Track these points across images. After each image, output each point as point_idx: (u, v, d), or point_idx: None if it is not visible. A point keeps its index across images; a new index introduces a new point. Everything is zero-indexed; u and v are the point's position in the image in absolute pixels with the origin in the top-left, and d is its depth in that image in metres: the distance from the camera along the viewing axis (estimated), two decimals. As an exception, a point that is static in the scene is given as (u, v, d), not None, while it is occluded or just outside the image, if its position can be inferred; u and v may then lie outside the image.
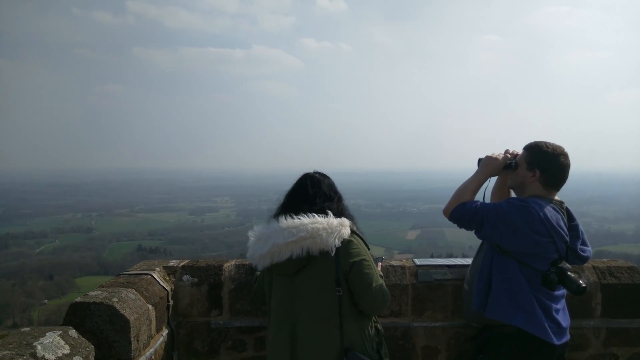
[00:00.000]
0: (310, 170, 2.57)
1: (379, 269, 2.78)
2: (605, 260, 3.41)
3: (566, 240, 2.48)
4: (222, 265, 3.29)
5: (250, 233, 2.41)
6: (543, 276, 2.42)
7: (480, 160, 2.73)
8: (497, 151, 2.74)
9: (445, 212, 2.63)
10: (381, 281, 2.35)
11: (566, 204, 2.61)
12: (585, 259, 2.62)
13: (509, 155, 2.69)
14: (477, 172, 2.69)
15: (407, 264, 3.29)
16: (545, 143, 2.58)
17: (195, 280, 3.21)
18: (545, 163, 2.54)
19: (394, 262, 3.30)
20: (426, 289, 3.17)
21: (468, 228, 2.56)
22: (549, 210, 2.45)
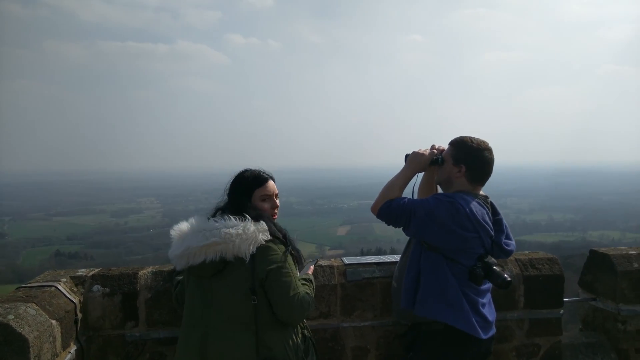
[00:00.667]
0: (241, 169, 2.45)
1: (310, 271, 2.67)
2: (527, 252, 3.51)
3: (491, 234, 2.50)
4: (137, 273, 3.03)
5: (172, 230, 2.28)
6: (470, 271, 2.43)
7: (407, 156, 2.68)
8: (424, 147, 2.71)
9: (373, 209, 2.57)
10: (301, 289, 2.24)
11: (490, 199, 2.63)
12: (509, 253, 2.65)
13: (435, 151, 2.67)
14: (404, 168, 2.65)
15: (335, 264, 3.20)
16: (470, 138, 2.59)
17: (107, 290, 2.94)
18: (470, 158, 2.54)
19: (322, 262, 3.20)
20: (355, 288, 3.09)
21: (396, 225, 2.51)
22: (474, 206, 2.45)
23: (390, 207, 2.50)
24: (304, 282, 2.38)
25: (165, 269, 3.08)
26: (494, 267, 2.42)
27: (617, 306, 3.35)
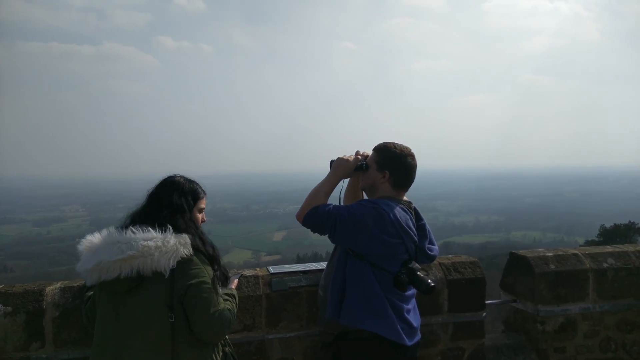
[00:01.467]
0: (171, 174, 2.30)
1: (234, 285, 2.54)
2: (450, 256, 3.56)
3: (415, 240, 2.50)
4: (44, 290, 2.77)
5: (81, 242, 2.09)
6: (395, 278, 2.41)
7: (332, 162, 2.63)
8: (349, 153, 2.67)
9: (298, 216, 2.49)
10: (222, 305, 2.11)
11: (414, 203, 2.63)
12: (432, 258, 2.68)
13: (359, 157, 2.63)
14: (329, 174, 2.59)
15: (261, 273, 3.08)
16: (394, 144, 2.58)
17: (9, 309, 2.67)
18: (394, 164, 2.54)
19: (247, 272, 3.07)
20: (281, 298, 2.98)
21: (322, 232, 2.45)
22: (398, 211, 2.44)
23: (316, 214, 2.43)
24: (226, 297, 2.26)
25: (75, 285, 2.83)
26: (418, 273, 2.42)
27: (536, 307, 3.47)
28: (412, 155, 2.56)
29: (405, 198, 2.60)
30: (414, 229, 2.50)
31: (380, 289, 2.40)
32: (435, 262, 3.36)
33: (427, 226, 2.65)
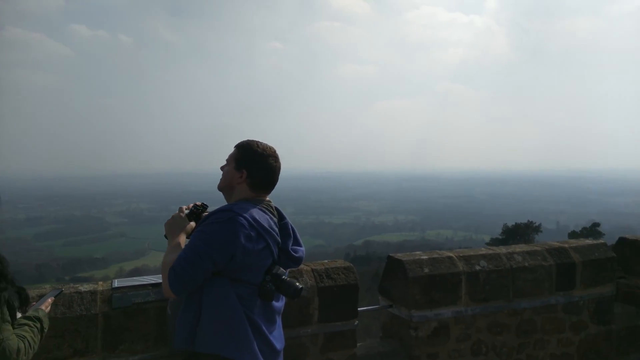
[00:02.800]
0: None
1: (46, 305, 2.14)
2: (326, 261, 3.36)
3: (278, 241, 2.28)
4: None
5: None
6: (260, 288, 2.16)
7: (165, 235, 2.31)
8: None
9: (167, 292, 2.06)
10: (5, 334, 1.73)
11: (273, 202, 2.39)
12: (298, 261, 2.45)
13: (184, 207, 2.36)
14: (169, 242, 2.25)
15: (100, 288, 2.68)
16: (257, 142, 2.36)
17: None
18: (253, 164, 2.30)
19: (83, 287, 2.66)
20: (122, 316, 2.61)
21: (200, 280, 2.06)
22: (257, 213, 2.20)
23: (177, 272, 2.03)
24: (24, 321, 1.88)
25: None
26: (284, 277, 2.20)
27: (410, 312, 3.36)
28: (275, 157, 2.34)
29: (267, 198, 2.37)
30: (276, 229, 2.29)
31: (240, 308, 2.11)
32: (307, 268, 3.15)
33: (291, 225, 2.43)
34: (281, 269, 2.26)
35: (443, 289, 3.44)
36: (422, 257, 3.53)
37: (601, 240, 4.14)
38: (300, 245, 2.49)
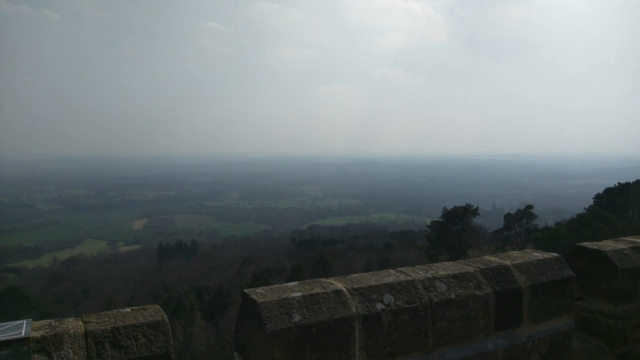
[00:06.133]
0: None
1: None
2: (127, 310, 2.00)
3: None
4: None
5: None
6: None
7: None
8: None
9: None
10: None
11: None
12: None
13: None
14: None
15: None
16: None
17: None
18: None
19: None
20: None
21: None
22: None
23: None
24: None
25: None
26: None
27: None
28: None
29: None
30: None
31: None
32: (76, 327, 1.78)
33: None
34: None
35: (324, 347, 2.15)
36: (294, 295, 2.22)
37: (554, 254, 2.98)
38: None
